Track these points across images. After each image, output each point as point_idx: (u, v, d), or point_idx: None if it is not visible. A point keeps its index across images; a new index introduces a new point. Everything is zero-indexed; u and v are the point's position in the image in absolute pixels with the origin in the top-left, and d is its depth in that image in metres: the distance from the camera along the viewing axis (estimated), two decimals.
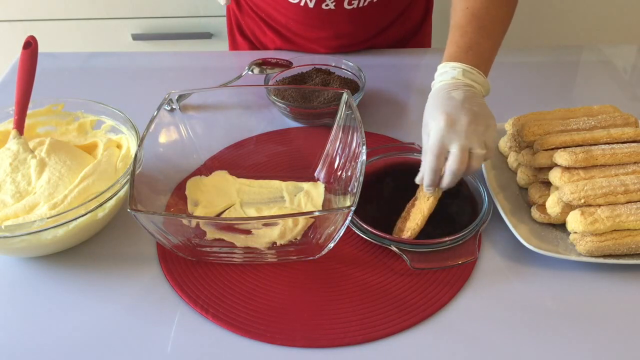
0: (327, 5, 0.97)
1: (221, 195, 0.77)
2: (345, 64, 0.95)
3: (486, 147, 0.66)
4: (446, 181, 0.67)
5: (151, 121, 0.71)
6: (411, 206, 0.70)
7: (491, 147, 0.68)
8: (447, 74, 0.71)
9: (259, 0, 1.04)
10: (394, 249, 0.67)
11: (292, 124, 0.90)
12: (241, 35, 1.14)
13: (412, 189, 0.74)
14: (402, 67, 1.05)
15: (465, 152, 0.65)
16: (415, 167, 0.75)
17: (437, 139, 0.65)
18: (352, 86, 0.92)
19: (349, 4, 0.97)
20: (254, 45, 1.13)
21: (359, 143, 0.68)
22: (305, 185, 0.78)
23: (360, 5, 0.98)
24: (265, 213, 0.74)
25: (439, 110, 0.66)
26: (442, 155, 0.65)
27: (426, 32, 1.16)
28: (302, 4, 0.97)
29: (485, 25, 0.74)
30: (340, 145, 0.77)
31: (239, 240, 0.69)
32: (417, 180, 0.70)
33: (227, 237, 0.69)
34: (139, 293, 0.66)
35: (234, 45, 1.17)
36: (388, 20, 1.06)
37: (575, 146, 0.72)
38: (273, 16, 1.05)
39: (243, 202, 0.76)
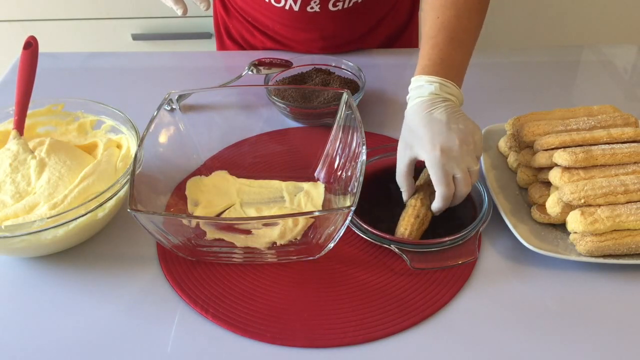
0: (311, 7, 0.97)
1: (221, 195, 0.77)
2: (345, 64, 0.95)
3: (478, 160, 0.69)
4: (457, 202, 0.70)
5: (151, 121, 0.71)
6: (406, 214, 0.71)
7: (480, 155, 0.70)
8: (423, 88, 0.70)
9: (245, 4, 1.04)
10: (394, 249, 0.67)
11: (292, 124, 0.90)
12: (229, 38, 1.14)
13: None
14: (402, 67, 1.05)
15: (467, 173, 0.67)
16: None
17: (441, 170, 0.66)
18: (352, 86, 0.92)
19: (334, 5, 0.97)
20: (242, 48, 1.13)
21: (359, 143, 0.68)
22: (305, 185, 0.78)
23: (345, 6, 0.98)
24: (265, 213, 0.74)
25: (430, 142, 0.66)
26: (451, 182, 0.67)
27: (413, 31, 1.16)
28: (287, 7, 0.98)
29: (457, 37, 0.73)
30: (340, 145, 0.77)
31: (239, 240, 0.69)
32: (405, 198, 0.72)
33: (227, 237, 0.69)
34: (139, 293, 0.66)
35: (222, 48, 1.17)
36: (374, 21, 1.06)
37: (575, 146, 0.72)
38: (260, 20, 1.05)
39: (243, 202, 0.76)
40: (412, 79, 0.73)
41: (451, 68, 0.72)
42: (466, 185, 0.68)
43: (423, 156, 0.67)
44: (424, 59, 0.72)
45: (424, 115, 0.68)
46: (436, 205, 0.69)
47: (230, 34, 1.13)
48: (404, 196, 0.72)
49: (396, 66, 1.05)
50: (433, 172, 0.67)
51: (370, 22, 1.06)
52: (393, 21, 1.09)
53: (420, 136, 0.68)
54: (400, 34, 1.13)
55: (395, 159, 0.71)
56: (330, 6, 0.97)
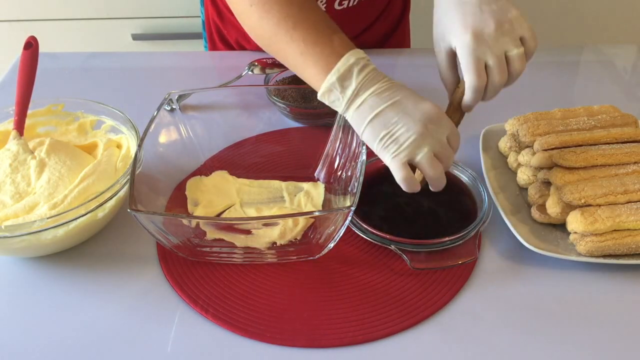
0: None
1: (221, 195, 0.77)
2: None
3: (523, 42, 0.62)
4: (490, 96, 0.64)
5: (151, 121, 0.71)
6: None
7: (529, 37, 0.63)
8: None
9: None
10: (394, 249, 0.67)
11: (292, 124, 0.89)
12: (222, 41, 1.13)
13: None
14: (403, 67, 1.05)
15: (502, 61, 0.61)
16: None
17: (471, 57, 0.60)
18: None
19: (340, 4, 0.97)
20: None
21: (359, 143, 0.68)
22: (305, 185, 0.78)
23: (350, 5, 0.98)
24: (265, 213, 0.74)
25: (459, 24, 0.61)
26: (482, 71, 0.61)
27: (405, 30, 1.16)
28: None
29: None
30: (340, 145, 0.77)
31: (239, 240, 0.69)
32: (449, 96, 0.66)
33: (227, 237, 0.69)
34: (139, 293, 0.66)
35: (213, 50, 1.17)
36: (372, 18, 1.06)
37: (575, 146, 0.72)
38: None
39: (243, 202, 0.76)
40: None
41: None
42: (500, 73, 0.61)
43: (454, 42, 0.62)
44: None
45: (453, 1, 0.62)
46: (466, 98, 0.63)
47: (224, 38, 1.12)
48: (448, 94, 0.66)
49: (397, 66, 1.05)
50: (462, 59, 0.61)
51: (369, 19, 1.06)
52: (386, 21, 1.09)
53: (450, 21, 0.62)
54: (393, 31, 1.13)
55: None
56: (336, 5, 0.97)
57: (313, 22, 0.65)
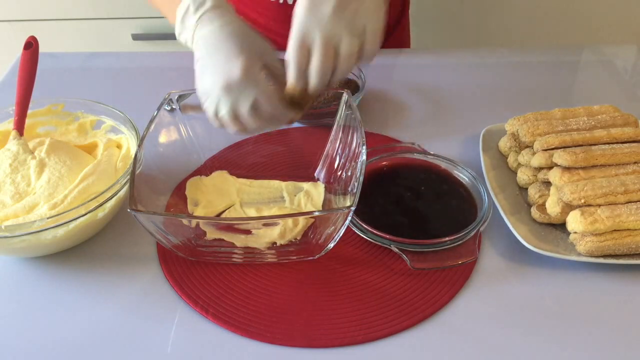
0: None
1: (221, 195, 0.77)
2: None
3: (360, 37, 0.55)
4: (312, 82, 0.57)
5: (151, 121, 0.71)
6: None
7: (372, 39, 0.56)
8: None
9: (238, 3, 1.04)
10: (394, 249, 0.67)
11: (292, 124, 0.89)
12: None
13: (412, 189, 0.74)
14: (403, 66, 1.05)
15: (328, 46, 0.55)
16: (415, 167, 0.75)
17: (298, 28, 0.56)
18: (352, 86, 0.92)
19: None
20: None
21: (359, 143, 0.68)
22: (305, 185, 0.78)
23: None
24: (265, 213, 0.74)
25: None
26: (303, 49, 0.56)
27: (404, 30, 1.15)
28: (280, 1, 0.97)
29: None
30: (340, 145, 0.77)
31: (239, 240, 0.69)
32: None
33: (227, 237, 0.69)
34: (139, 293, 0.66)
35: None
36: None
37: (575, 146, 0.72)
38: (252, 18, 1.04)
39: (243, 202, 0.76)
40: None
41: None
42: (322, 55, 0.54)
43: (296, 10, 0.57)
44: None
45: None
46: (288, 75, 0.59)
47: None
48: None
49: (397, 66, 1.05)
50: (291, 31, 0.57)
51: None
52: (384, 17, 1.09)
53: None
54: (392, 32, 1.12)
55: (395, 159, 0.71)
56: None
57: None
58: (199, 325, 0.62)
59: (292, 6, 0.95)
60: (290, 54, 0.57)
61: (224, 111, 0.62)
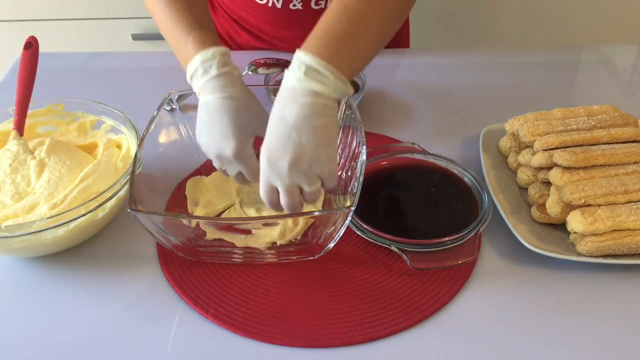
0: (294, 5, 0.97)
1: (221, 195, 0.77)
2: None
3: (317, 182, 0.60)
4: (287, 210, 0.62)
5: (151, 121, 0.71)
6: None
7: (326, 178, 0.61)
8: (292, 72, 0.60)
9: (230, 2, 1.04)
10: (394, 249, 0.67)
11: None
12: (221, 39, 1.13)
13: (412, 189, 0.74)
14: (403, 67, 1.05)
15: (292, 190, 0.60)
16: (415, 167, 0.75)
17: (263, 178, 0.61)
18: (352, 86, 0.92)
19: (316, 4, 0.97)
20: (228, 46, 1.13)
21: (359, 143, 0.68)
22: None
23: (328, 5, 0.98)
24: (265, 213, 0.74)
25: (265, 142, 0.60)
26: (272, 192, 0.61)
27: (404, 28, 1.15)
28: (269, 4, 0.98)
29: (355, 16, 0.62)
30: (340, 145, 0.77)
31: (239, 240, 0.69)
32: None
33: (227, 237, 0.69)
34: (139, 293, 0.66)
35: None
36: None
37: (575, 146, 0.72)
38: (244, 17, 1.05)
39: (243, 202, 0.76)
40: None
41: (334, 43, 0.60)
42: (289, 198, 0.60)
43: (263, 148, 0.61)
44: (309, 36, 0.62)
45: (276, 110, 0.60)
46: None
47: (217, 30, 1.13)
48: None
49: (397, 66, 1.05)
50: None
51: None
52: None
53: (266, 130, 0.60)
54: None
55: (395, 159, 0.71)
56: (312, 4, 0.97)
57: (173, 23, 0.70)
58: (199, 325, 0.62)
59: (281, 10, 0.96)
60: (262, 195, 0.62)
61: (217, 166, 0.68)
